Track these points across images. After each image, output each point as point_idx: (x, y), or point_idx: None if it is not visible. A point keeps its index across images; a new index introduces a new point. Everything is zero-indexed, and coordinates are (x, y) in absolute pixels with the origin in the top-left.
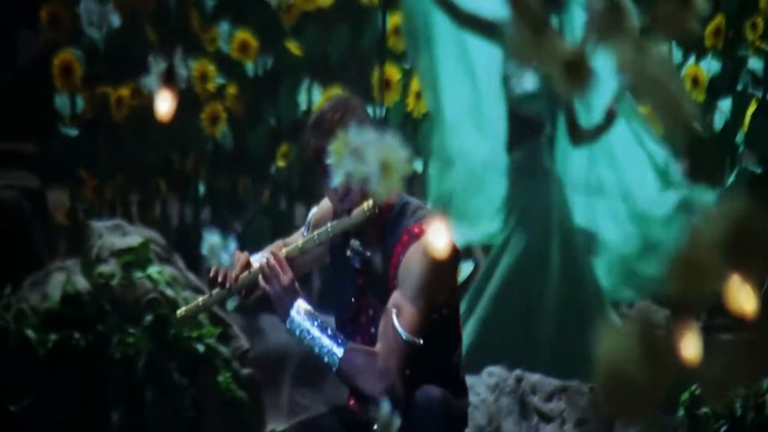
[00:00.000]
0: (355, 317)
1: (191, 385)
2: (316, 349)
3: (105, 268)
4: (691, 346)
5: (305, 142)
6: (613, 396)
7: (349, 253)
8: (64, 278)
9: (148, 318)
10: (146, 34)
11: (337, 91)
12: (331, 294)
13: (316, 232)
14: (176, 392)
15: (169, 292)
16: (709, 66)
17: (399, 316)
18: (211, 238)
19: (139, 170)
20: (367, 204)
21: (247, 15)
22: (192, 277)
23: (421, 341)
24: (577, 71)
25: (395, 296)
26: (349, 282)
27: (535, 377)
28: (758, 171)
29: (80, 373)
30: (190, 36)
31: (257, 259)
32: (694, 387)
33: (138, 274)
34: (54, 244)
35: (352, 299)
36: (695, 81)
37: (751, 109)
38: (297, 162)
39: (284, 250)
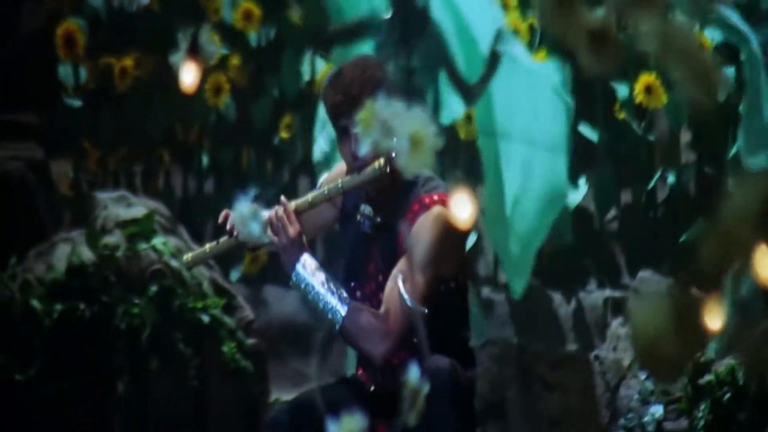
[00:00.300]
0: (363, 283)
1: (196, 356)
2: (320, 305)
3: (110, 239)
4: (718, 317)
5: (322, 98)
6: (650, 363)
7: (359, 218)
8: (69, 249)
9: (153, 289)
10: (151, 3)
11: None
12: (339, 261)
13: (326, 187)
14: (181, 362)
15: (174, 263)
16: (712, 35)
17: (405, 283)
18: (241, 208)
19: (143, 141)
20: (379, 162)
21: None
22: (196, 248)
23: (425, 310)
24: (603, 43)
25: (403, 263)
26: (359, 248)
27: (538, 346)
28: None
29: (85, 344)
30: (195, 5)
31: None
32: (698, 354)
33: (143, 246)
34: (58, 215)
35: (361, 265)
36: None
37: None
38: (300, 133)
39: (293, 203)
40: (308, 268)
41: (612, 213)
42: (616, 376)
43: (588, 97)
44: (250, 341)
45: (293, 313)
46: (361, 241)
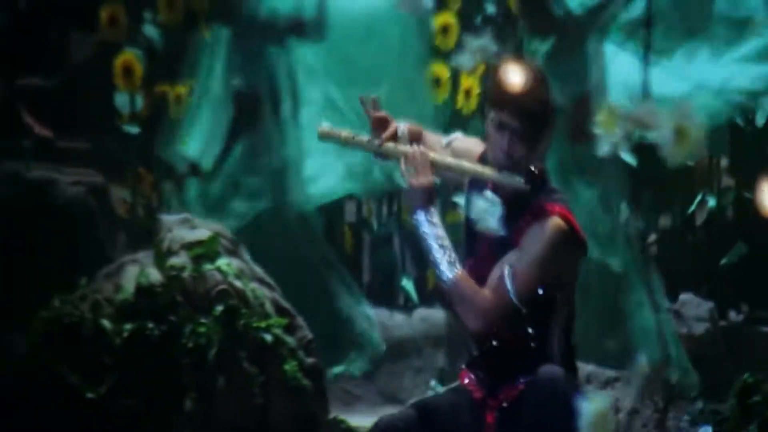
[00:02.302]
0: (464, 260)
1: (260, 374)
2: (430, 257)
3: (176, 261)
4: None
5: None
6: None
7: (486, 201)
8: (137, 270)
9: (219, 308)
10: (202, 33)
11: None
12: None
13: (466, 164)
14: (246, 380)
15: (238, 283)
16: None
17: (512, 275)
18: (479, 203)
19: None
20: (521, 180)
21: None
22: (257, 269)
23: (523, 309)
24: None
25: (514, 256)
26: (473, 231)
27: (589, 368)
28: None
29: (154, 362)
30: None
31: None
32: (746, 375)
33: (208, 266)
34: (115, 237)
35: (470, 243)
36: None
37: None
38: None
39: (432, 154)
40: (431, 219)
41: (652, 237)
42: (664, 397)
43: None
44: (310, 360)
45: None
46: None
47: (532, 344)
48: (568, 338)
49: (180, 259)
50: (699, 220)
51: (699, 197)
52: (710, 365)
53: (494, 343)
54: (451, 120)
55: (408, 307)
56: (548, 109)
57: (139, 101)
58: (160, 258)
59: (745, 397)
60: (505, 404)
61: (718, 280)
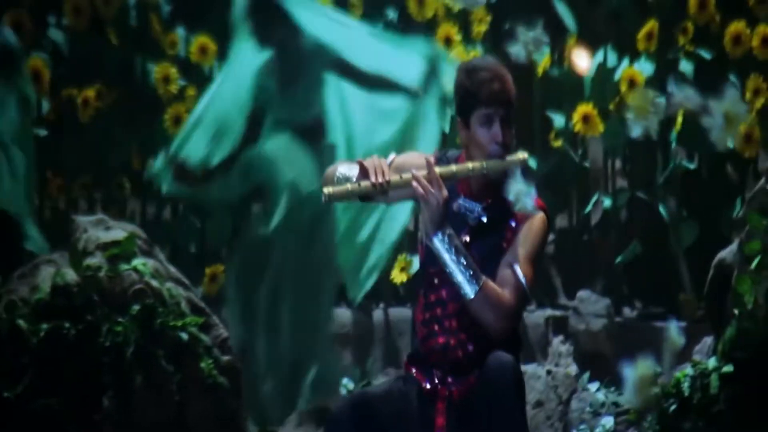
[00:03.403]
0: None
1: (177, 372)
2: (462, 268)
3: (92, 261)
4: None
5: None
6: None
7: (457, 209)
8: (53, 270)
9: (136, 308)
10: (108, 38)
11: None
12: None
13: (470, 164)
14: (164, 378)
15: (154, 282)
16: (642, 68)
17: (523, 272)
18: (517, 185)
19: (104, 169)
20: (522, 155)
21: (202, 20)
22: (172, 269)
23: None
24: None
25: (516, 252)
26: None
27: None
28: (691, 167)
29: (71, 361)
30: (151, 40)
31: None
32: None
33: (124, 266)
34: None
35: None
36: (632, 83)
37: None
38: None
39: (438, 169)
40: (447, 240)
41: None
42: (567, 390)
43: (526, 126)
44: (226, 358)
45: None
46: (459, 230)
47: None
48: (516, 328)
49: (96, 259)
50: (594, 219)
51: (595, 198)
52: (607, 359)
53: (450, 341)
54: None
55: None
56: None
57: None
58: (76, 258)
59: (643, 388)
60: (455, 393)
61: (614, 278)
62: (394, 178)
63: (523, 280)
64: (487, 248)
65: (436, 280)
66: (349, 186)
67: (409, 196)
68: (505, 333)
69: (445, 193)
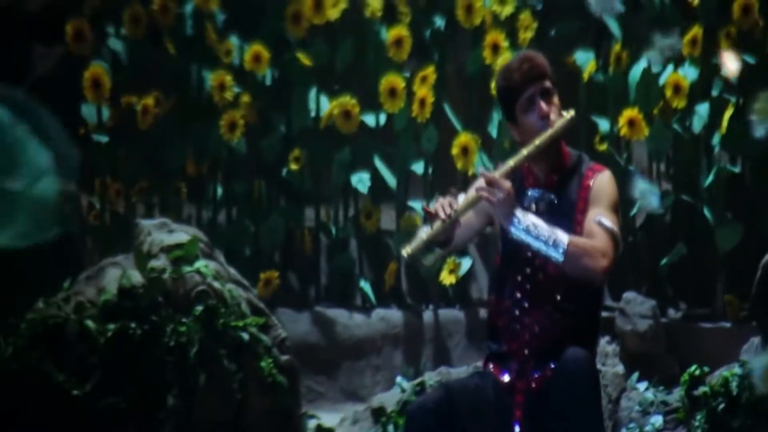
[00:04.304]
0: (531, 259)
1: (238, 371)
2: (543, 241)
3: (156, 263)
4: None
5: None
6: None
7: (527, 204)
8: (118, 273)
9: (199, 308)
10: (165, 47)
11: (344, 98)
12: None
13: (524, 150)
14: (226, 377)
15: (216, 284)
16: (686, 73)
17: (604, 218)
18: (641, 184)
19: (161, 175)
20: (570, 113)
21: (256, 29)
22: (232, 270)
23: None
24: None
25: (593, 211)
26: None
27: None
28: (736, 170)
29: (137, 360)
30: (207, 49)
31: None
32: (693, 367)
33: (187, 269)
34: (85, 242)
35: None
36: (677, 88)
37: (728, 113)
38: (308, 165)
39: (496, 171)
40: (525, 216)
41: None
42: (616, 389)
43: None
44: (284, 358)
45: (305, 334)
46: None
47: (569, 324)
48: (598, 315)
49: (160, 262)
50: (639, 222)
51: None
52: (653, 359)
53: (526, 335)
54: (407, 128)
55: (366, 307)
56: (547, 67)
57: (105, 112)
58: (142, 261)
59: (692, 388)
60: (533, 386)
61: (659, 280)
62: (460, 204)
63: (609, 225)
64: (566, 218)
65: (519, 277)
66: (422, 234)
67: (484, 215)
68: (607, 274)
69: (507, 185)
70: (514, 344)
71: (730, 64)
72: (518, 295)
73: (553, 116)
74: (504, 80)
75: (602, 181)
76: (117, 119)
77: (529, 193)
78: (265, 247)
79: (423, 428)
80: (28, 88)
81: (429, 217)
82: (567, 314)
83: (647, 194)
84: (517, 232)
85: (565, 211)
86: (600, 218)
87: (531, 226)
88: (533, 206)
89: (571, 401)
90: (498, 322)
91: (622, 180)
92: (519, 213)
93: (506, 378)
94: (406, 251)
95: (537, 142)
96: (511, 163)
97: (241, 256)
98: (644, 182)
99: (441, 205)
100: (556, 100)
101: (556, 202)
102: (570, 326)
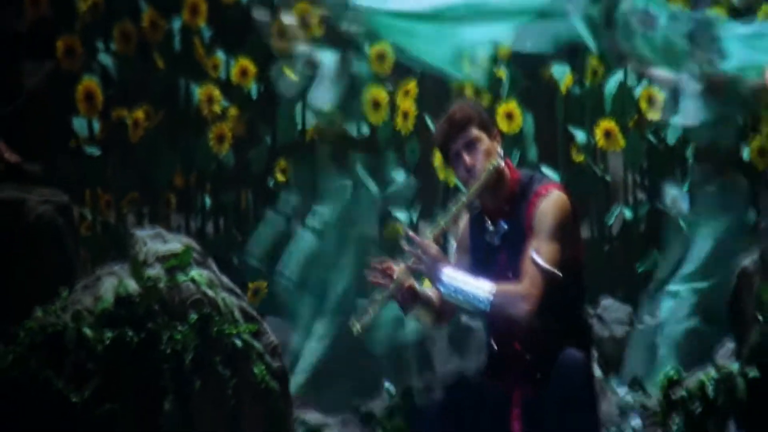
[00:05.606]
0: (503, 269)
1: (233, 377)
2: (469, 299)
3: (151, 272)
4: None
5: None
6: None
7: (487, 238)
8: (114, 282)
9: (193, 316)
10: (154, 62)
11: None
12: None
13: (451, 205)
14: (221, 383)
15: (210, 292)
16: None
17: (539, 253)
18: (672, 191)
19: (151, 186)
20: (491, 163)
21: (242, 44)
22: (225, 279)
23: (560, 274)
24: None
25: (532, 242)
26: (494, 263)
27: None
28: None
29: (134, 367)
30: (194, 64)
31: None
32: (669, 369)
33: (182, 277)
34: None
35: (495, 270)
36: (651, 101)
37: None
38: (294, 177)
39: (428, 232)
40: (452, 275)
41: None
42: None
43: (550, 142)
44: (276, 364)
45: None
46: (495, 256)
47: (555, 330)
48: (583, 316)
49: (155, 271)
50: (615, 230)
51: (618, 209)
52: (629, 362)
53: (517, 345)
54: (390, 140)
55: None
56: (470, 118)
57: (96, 125)
58: (137, 269)
59: (669, 391)
60: (529, 393)
61: (634, 286)
62: (397, 277)
63: (540, 261)
64: (519, 246)
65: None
66: (370, 311)
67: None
68: (532, 314)
69: (433, 250)
70: (507, 351)
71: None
72: None
73: (478, 166)
74: (434, 138)
75: (545, 206)
76: (108, 132)
77: (487, 225)
78: (252, 256)
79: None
80: (18, 104)
81: (374, 284)
82: (549, 320)
83: (677, 201)
84: (446, 292)
85: (520, 239)
86: (533, 254)
87: (457, 285)
88: (493, 239)
89: (567, 406)
90: (491, 330)
91: (600, 190)
92: (447, 274)
93: (503, 388)
94: (356, 328)
95: (463, 198)
96: (441, 222)
97: (230, 265)
98: (674, 189)
99: (380, 273)
100: (482, 146)
101: (509, 231)
102: (556, 330)
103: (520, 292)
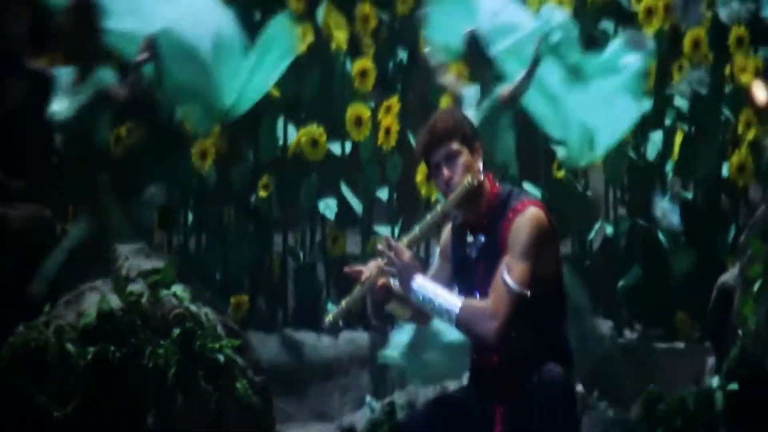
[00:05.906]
0: (480, 281)
1: (215, 391)
2: (437, 309)
3: (134, 287)
4: None
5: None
6: None
7: (467, 249)
8: (97, 297)
9: (176, 331)
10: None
11: (311, 128)
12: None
13: (428, 215)
14: (203, 397)
15: (192, 307)
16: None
17: (509, 271)
18: (662, 203)
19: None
20: (467, 180)
21: None
22: (207, 294)
23: (528, 293)
24: None
25: (505, 259)
26: (472, 275)
27: None
28: (688, 196)
29: (117, 382)
30: None
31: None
32: (651, 387)
33: (164, 292)
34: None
35: (473, 283)
36: None
37: (678, 140)
38: (276, 192)
39: (404, 239)
40: (422, 284)
41: None
42: (579, 407)
43: (531, 159)
44: (258, 379)
45: (274, 356)
46: (472, 269)
47: (534, 346)
48: (563, 332)
49: (138, 286)
50: (596, 245)
51: (598, 225)
52: (610, 378)
53: (496, 357)
54: (372, 156)
55: (333, 330)
56: (451, 131)
57: None
58: (120, 285)
59: (650, 406)
60: (510, 406)
61: (615, 301)
62: (367, 273)
63: (509, 280)
64: (494, 260)
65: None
66: (343, 304)
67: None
68: (497, 335)
69: (406, 255)
70: (486, 363)
71: (759, 93)
72: None
73: (456, 179)
74: (415, 147)
75: (520, 224)
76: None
77: (467, 237)
78: (234, 272)
79: None
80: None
81: (354, 279)
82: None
83: (668, 213)
84: (415, 298)
85: (496, 254)
86: (504, 272)
87: (426, 294)
88: (472, 251)
89: (546, 421)
90: (474, 344)
91: (581, 206)
92: (417, 281)
93: (485, 399)
94: (328, 318)
95: (439, 209)
96: (416, 231)
97: (212, 280)
98: (664, 202)
99: (359, 271)
100: (462, 160)
101: (486, 245)
102: (535, 345)
103: (486, 311)
